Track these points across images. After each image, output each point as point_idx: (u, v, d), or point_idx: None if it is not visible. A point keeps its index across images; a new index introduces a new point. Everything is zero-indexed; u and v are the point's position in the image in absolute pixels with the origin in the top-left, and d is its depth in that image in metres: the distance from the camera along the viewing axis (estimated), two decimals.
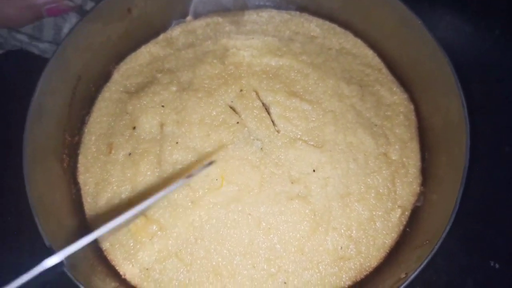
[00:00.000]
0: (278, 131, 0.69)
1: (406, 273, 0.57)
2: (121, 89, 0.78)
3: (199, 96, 0.72)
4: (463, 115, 0.64)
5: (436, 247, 0.56)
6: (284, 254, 0.63)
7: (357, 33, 0.84)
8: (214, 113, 0.70)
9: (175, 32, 0.83)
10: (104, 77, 0.80)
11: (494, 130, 0.90)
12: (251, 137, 0.68)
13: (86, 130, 0.75)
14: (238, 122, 0.69)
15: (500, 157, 0.88)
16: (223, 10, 0.88)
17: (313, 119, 0.70)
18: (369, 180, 0.67)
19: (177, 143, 0.68)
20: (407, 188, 0.69)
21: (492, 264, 0.80)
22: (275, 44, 0.78)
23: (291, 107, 0.71)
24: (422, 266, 0.56)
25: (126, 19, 0.80)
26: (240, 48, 0.77)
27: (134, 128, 0.72)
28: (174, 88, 0.74)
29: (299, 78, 0.74)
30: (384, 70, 0.79)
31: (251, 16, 0.84)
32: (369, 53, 0.81)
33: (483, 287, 0.80)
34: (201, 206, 0.64)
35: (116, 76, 0.79)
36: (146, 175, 0.67)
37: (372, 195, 0.66)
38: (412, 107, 0.76)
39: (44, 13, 0.75)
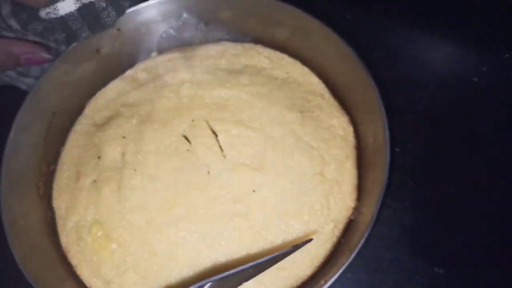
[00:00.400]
0: (224, 156, 0.78)
1: (325, 280, 0.65)
2: (90, 122, 0.87)
3: (155, 127, 0.81)
4: (385, 139, 0.72)
5: (352, 256, 0.64)
6: (227, 266, 0.71)
7: (305, 62, 0.92)
8: (168, 142, 0.79)
9: (139, 68, 0.93)
10: (77, 112, 0.90)
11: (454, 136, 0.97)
12: (199, 163, 0.77)
13: (59, 160, 0.84)
14: (188, 150, 0.78)
15: (451, 166, 0.94)
16: (186, 45, 0.97)
17: (255, 144, 0.78)
18: (304, 198, 0.75)
19: (135, 170, 0.77)
20: (340, 203, 0.76)
21: (436, 269, 0.87)
22: (225, 77, 0.86)
23: (236, 135, 0.79)
24: (338, 273, 0.63)
25: (95, 58, 0.89)
26: (194, 82, 0.86)
27: (99, 157, 0.81)
28: (134, 121, 0.83)
29: (245, 107, 0.82)
30: (327, 95, 0.87)
31: (207, 51, 0.93)
32: (314, 80, 0.89)
33: None
34: (154, 226, 0.73)
35: (87, 111, 0.89)
36: (107, 200, 0.76)
37: (306, 211, 0.74)
38: (351, 128, 0.84)
39: (22, 62, 0.83)
